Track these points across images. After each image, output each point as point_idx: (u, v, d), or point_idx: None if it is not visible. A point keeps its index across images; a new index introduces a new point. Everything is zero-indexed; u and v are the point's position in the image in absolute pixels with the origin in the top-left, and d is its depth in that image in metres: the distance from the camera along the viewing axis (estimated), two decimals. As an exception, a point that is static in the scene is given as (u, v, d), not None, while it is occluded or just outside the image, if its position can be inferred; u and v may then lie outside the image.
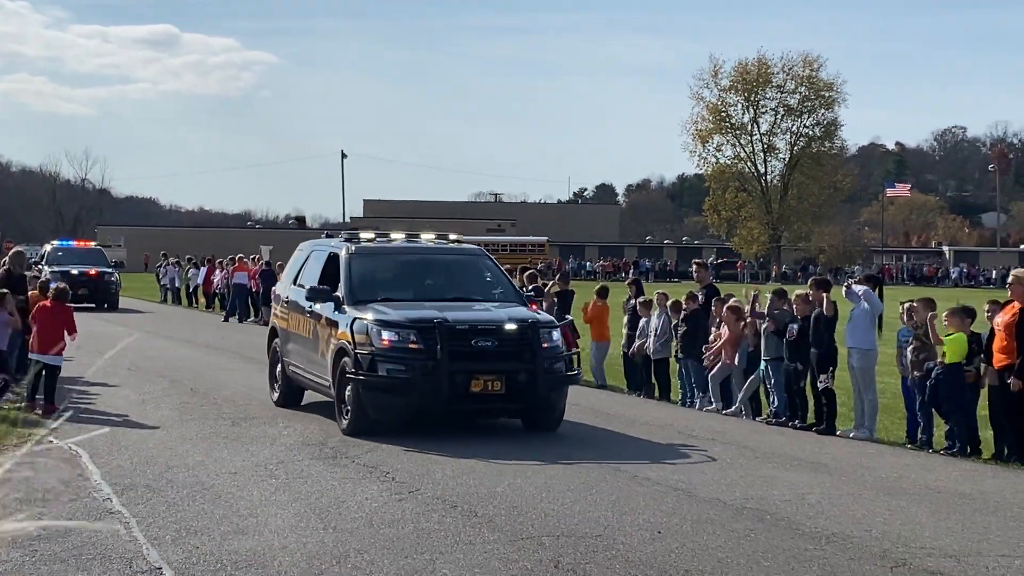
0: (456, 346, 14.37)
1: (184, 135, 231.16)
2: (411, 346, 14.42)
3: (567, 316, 21.31)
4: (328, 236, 17.67)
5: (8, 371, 17.14)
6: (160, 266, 53.63)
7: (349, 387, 14.63)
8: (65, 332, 16.97)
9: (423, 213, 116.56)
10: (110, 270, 45.38)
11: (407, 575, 8.53)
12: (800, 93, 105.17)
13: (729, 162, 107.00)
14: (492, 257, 17.55)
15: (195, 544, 9.34)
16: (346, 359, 14.77)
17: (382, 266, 16.53)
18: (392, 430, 14.48)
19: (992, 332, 14.40)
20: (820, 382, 16.07)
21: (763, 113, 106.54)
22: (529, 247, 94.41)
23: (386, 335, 14.49)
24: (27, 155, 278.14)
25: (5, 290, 17.44)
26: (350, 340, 14.72)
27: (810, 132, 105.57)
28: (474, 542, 9.47)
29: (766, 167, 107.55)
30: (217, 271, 44.50)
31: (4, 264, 18.33)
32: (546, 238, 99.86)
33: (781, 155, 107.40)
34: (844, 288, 16.74)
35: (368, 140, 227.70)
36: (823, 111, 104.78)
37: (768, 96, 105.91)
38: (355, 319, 14.81)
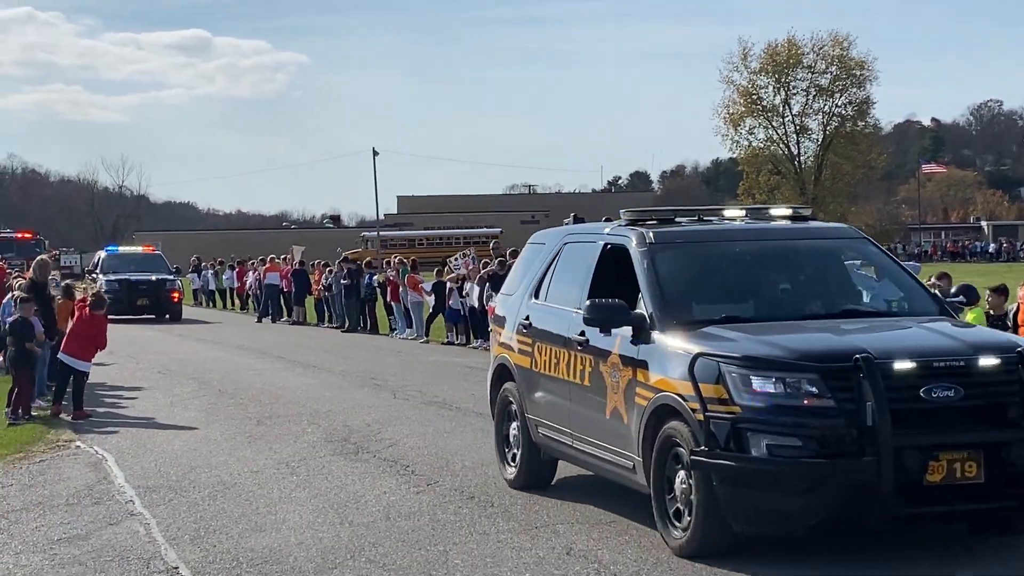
0: (897, 400, 8.21)
1: (219, 139, 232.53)
2: (811, 402, 8.25)
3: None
4: (578, 220, 11.92)
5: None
6: (192, 270, 53.91)
7: (685, 475, 8.66)
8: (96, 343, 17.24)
9: (458, 207, 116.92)
10: (171, 277, 41.40)
11: (420, 566, 8.61)
12: (831, 73, 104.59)
13: (762, 145, 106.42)
14: (873, 240, 11.09)
15: (213, 543, 9.45)
16: (674, 426, 8.67)
17: (706, 264, 10.22)
18: (772, 545, 8.79)
19: (1019, 307, 14.33)
20: None
21: (794, 94, 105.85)
22: (483, 239, 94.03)
23: (759, 382, 8.29)
24: (64, 164, 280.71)
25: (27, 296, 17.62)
26: (687, 393, 8.49)
27: (843, 112, 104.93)
28: (488, 532, 9.54)
29: (799, 148, 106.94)
30: (250, 273, 44.80)
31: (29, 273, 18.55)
32: (500, 229, 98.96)
33: (814, 136, 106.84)
34: None
35: (400, 137, 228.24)
36: (855, 90, 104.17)
37: (799, 77, 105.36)
38: (697, 356, 8.50)
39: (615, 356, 9.58)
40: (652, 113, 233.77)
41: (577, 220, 11.90)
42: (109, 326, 17.72)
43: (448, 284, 28.38)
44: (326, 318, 37.12)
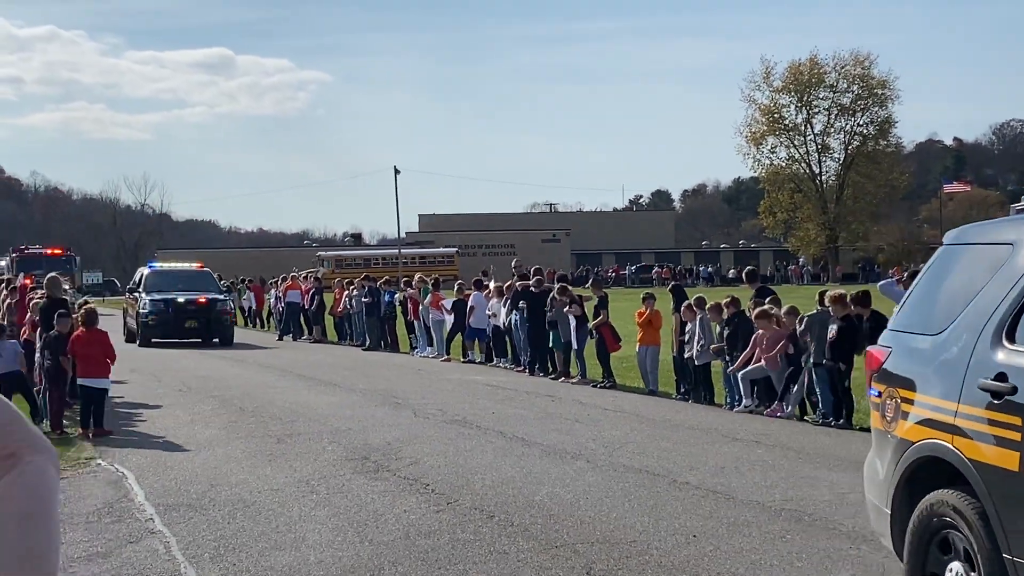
0: None
1: (241, 157, 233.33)
2: None
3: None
4: None
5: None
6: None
7: None
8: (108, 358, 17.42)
9: (478, 226, 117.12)
10: (222, 296, 37.92)
11: (439, 586, 8.58)
12: (853, 92, 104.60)
13: (783, 163, 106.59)
14: None
15: (232, 561, 9.44)
16: None
17: None
18: None
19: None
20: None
21: (816, 113, 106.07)
22: (439, 259, 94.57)
23: None
24: (87, 182, 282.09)
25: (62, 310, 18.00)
26: None
27: (864, 131, 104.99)
28: (508, 551, 9.50)
29: (821, 167, 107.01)
30: (272, 290, 44.92)
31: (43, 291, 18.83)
32: (455, 249, 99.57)
33: (836, 155, 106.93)
34: (879, 285, 16.75)
35: (421, 155, 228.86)
36: (876, 109, 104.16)
37: (821, 96, 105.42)
38: None
39: None
40: (673, 132, 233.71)
41: None
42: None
43: (469, 301, 28.35)
44: (347, 336, 37.18)
